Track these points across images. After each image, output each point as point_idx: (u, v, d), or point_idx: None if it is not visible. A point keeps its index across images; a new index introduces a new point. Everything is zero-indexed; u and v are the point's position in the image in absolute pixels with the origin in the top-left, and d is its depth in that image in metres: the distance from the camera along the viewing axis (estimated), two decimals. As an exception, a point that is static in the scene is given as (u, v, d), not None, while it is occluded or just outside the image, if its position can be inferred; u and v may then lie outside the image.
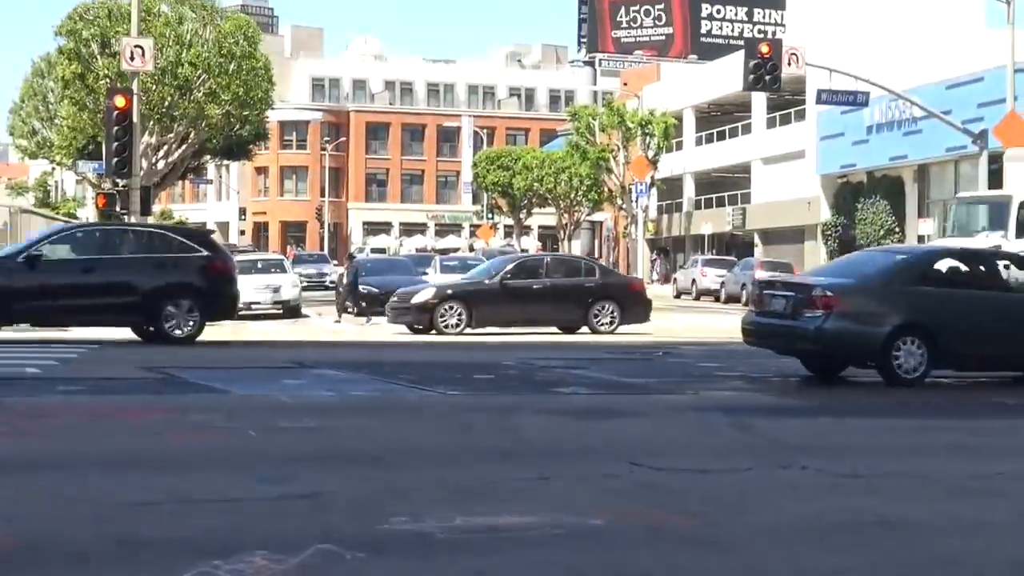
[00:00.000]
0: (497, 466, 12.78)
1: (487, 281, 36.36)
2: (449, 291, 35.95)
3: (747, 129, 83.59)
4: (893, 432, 16.33)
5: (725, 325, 40.31)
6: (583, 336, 35.06)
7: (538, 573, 8.51)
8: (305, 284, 56.84)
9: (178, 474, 11.86)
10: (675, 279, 73.55)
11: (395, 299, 36.69)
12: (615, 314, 35.68)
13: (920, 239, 64.01)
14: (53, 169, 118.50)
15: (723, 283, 62.15)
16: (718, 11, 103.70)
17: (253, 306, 44.81)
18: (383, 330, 37.20)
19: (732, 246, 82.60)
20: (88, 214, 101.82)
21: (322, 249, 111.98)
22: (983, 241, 35.20)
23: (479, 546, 9.22)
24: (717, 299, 61.72)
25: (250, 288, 44.84)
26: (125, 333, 29.61)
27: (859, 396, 21.02)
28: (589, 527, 9.87)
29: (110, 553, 8.82)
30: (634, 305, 36.54)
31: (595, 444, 14.43)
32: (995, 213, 36.81)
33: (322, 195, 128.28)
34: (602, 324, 35.36)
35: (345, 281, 44.39)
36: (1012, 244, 34.49)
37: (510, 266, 37.14)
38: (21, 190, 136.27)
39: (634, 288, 38.33)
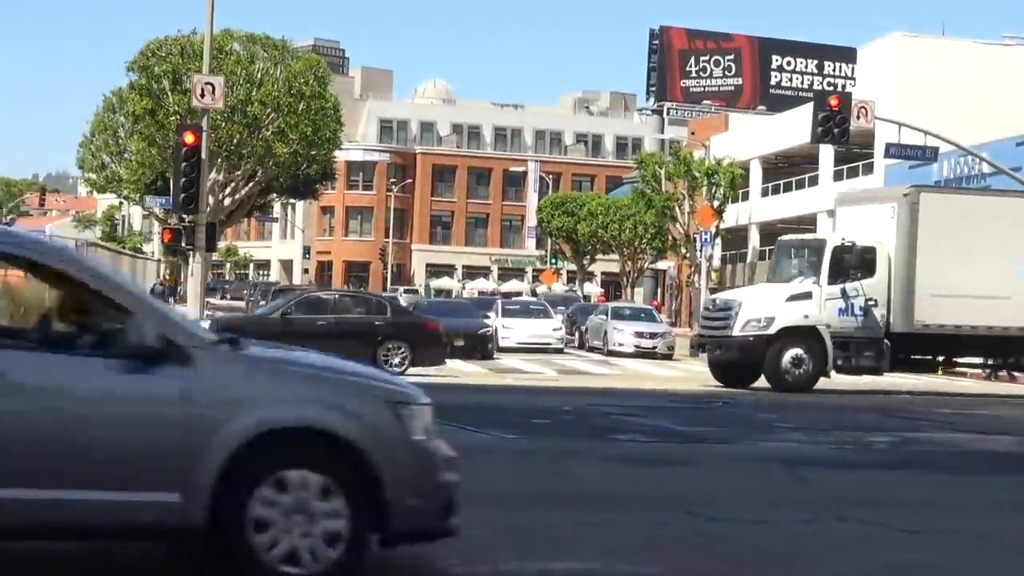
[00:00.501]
0: (553, 510, 12.75)
1: (269, 316, 34.94)
2: (226, 324, 34.20)
3: (814, 181, 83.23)
4: (951, 487, 16.17)
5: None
6: (646, 383, 34.80)
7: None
8: None
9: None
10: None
11: None
12: (406, 355, 33.85)
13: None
14: (121, 203, 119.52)
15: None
16: (788, 63, 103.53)
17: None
18: (445, 371, 37.15)
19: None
20: (154, 248, 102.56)
21: (384, 290, 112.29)
22: (797, 287, 34.64)
23: (531, 591, 9.19)
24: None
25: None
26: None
27: (919, 450, 20.84)
28: (643, 574, 9.82)
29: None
30: (427, 346, 34.48)
31: (651, 492, 14.38)
32: (812, 257, 35.78)
33: (386, 236, 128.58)
34: (391, 366, 33.06)
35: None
36: (825, 289, 33.98)
37: (293, 300, 35.81)
38: (89, 223, 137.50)
39: (427, 328, 35.40)
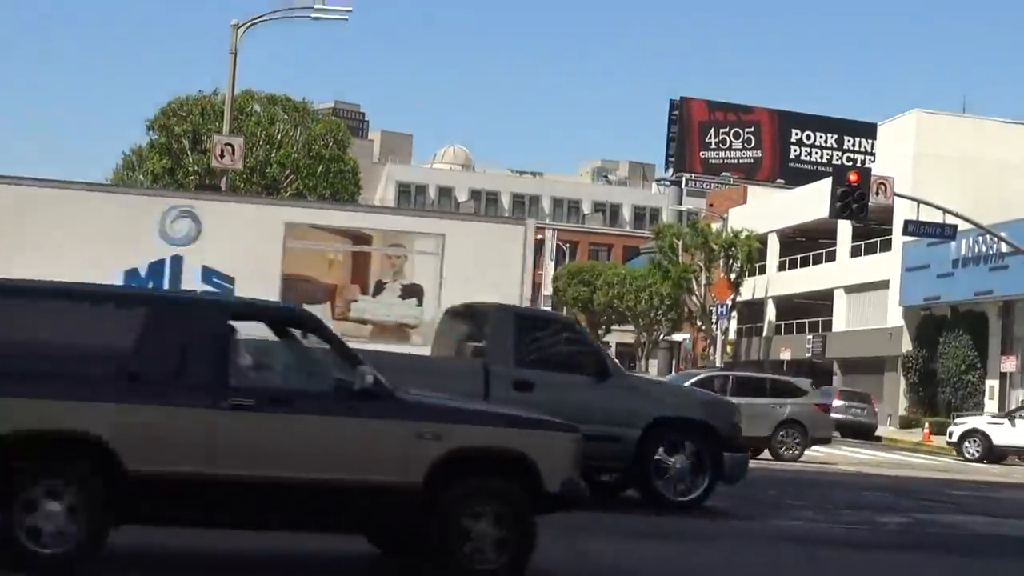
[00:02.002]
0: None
1: None
2: None
3: (831, 256, 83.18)
4: (961, 570, 15.95)
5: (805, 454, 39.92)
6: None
7: None
8: None
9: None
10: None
11: None
12: None
13: (1003, 376, 63.30)
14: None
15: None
16: (808, 137, 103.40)
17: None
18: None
19: (811, 374, 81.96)
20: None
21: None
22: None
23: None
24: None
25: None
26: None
27: (931, 531, 20.60)
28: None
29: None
30: None
31: (656, 568, 14.18)
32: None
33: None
34: None
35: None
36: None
37: None
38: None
39: None
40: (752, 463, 33.05)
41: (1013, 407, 53.78)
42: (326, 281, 30.78)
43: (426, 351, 29.95)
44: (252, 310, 12.88)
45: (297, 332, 12.47)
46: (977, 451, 47.56)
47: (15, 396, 10.85)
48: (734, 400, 32.09)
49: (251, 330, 12.09)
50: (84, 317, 11.69)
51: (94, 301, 12.04)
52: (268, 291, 29.70)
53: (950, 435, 49.08)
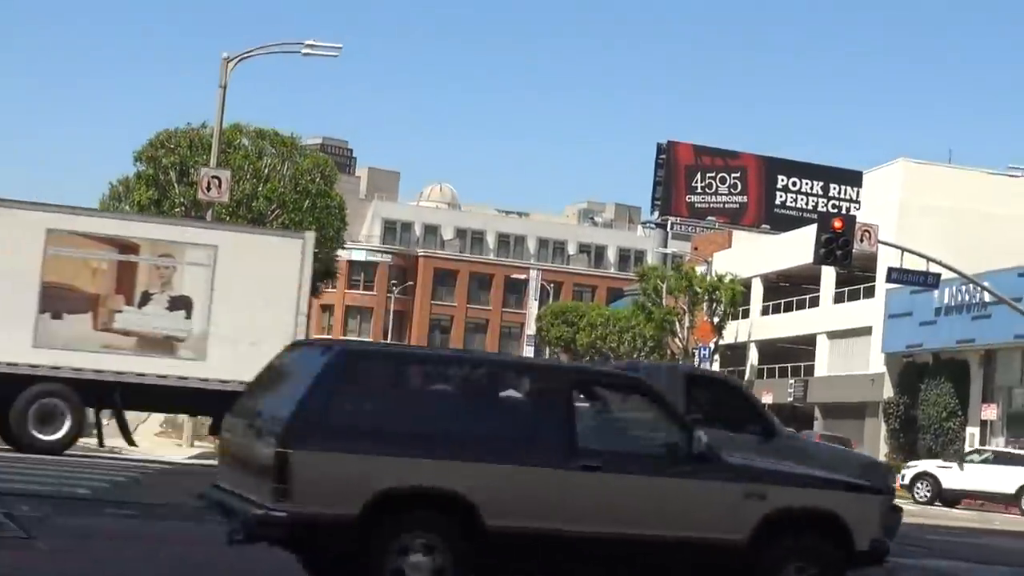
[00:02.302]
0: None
1: None
2: None
3: (815, 302, 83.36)
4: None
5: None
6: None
7: None
8: None
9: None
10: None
11: None
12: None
13: (983, 424, 63.45)
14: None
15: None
16: (793, 183, 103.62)
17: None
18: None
19: (792, 418, 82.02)
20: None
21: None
22: None
23: None
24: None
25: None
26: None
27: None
28: None
29: None
30: None
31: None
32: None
33: (385, 337, 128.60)
34: None
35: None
36: None
37: None
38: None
39: None
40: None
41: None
42: (88, 290, 30.37)
43: (195, 365, 29.68)
44: (598, 377, 14.20)
45: (635, 398, 13.43)
46: (927, 494, 50.16)
47: (396, 455, 11.69)
48: None
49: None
50: (447, 381, 12.77)
51: (456, 366, 13.19)
52: (26, 299, 29.56)
53: (903, 477, 50.04)
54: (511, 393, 12.56)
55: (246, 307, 30.28)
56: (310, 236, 32.58)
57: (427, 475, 11.72)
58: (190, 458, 36.61)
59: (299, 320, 30.57)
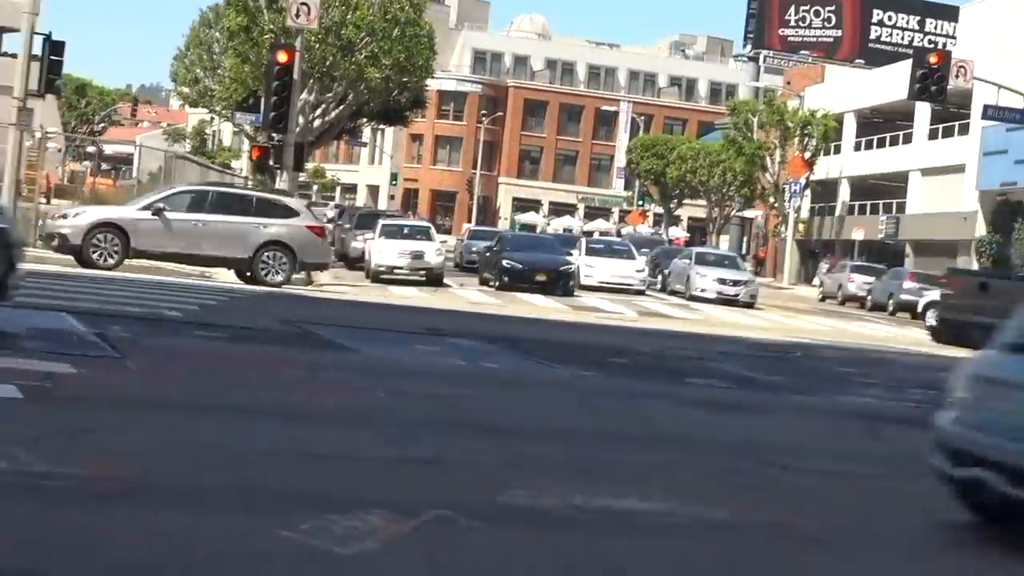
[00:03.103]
0: (624, 450, 12.68)
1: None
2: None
3: (908, 138, 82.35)
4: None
5: (868, 332, 39.88)
6: (727, 330, 34.40)
7: (652, 557, 8.39)
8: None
9: (305, 427, 11.91)
10: (822, 282, 72.75)
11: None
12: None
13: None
14: (212, 118, 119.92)
15: (870, 291, 61.18)
16: (889, 17, 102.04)
17: (395, 271, 44.92)
18: (527, 306, 36.99)
19: (883, 254, 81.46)
20: (242, 165, 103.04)
21: (470, 221, 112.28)
22: None
23: (595, 526, 9.12)
24: (862, 306, 60.84)
25: (393, 252, 45.01)
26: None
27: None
28: (709, 518, 9.73)
29: (227, 497, 8.85)
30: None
31: (724, 437, 14.27)
32: None
33: (474, 167, 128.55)
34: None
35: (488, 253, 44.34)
36: None
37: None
38: (179, 136, 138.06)
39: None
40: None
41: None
42: None
43: None
44: None
45: None
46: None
47: None
48: (209, 217, 32.88)
49: None
50: None
51: None
52: None
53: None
54: None
55: None
56: None
57: None
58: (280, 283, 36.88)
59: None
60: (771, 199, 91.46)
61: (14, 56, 40.69)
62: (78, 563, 6.91)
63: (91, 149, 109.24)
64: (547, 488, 10.04)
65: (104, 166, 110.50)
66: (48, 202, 46.96)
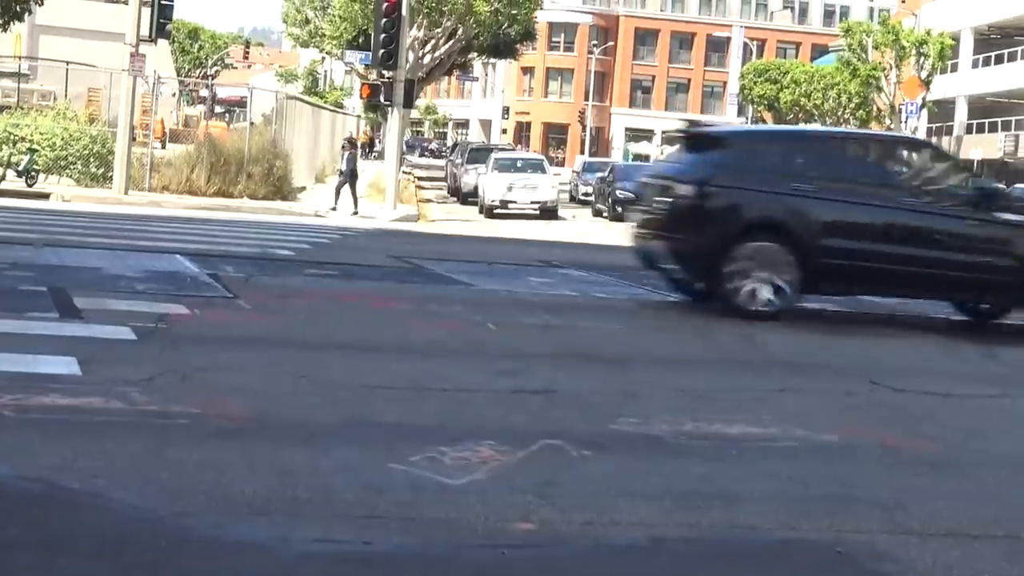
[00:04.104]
0: (736, 376, 12.65)
1: None
2: None
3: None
4: None
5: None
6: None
7: (762, 481, 8.37)
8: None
9: (416, 362, 11.98)
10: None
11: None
12: None
13: None
14: (323, 58, 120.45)
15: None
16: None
17: (509, 205, 45.00)
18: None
19: (1002, 173, 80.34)
20: (354, 104, 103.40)
21: (582, 152, 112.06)
22: None
23: (706, 452, 9.12)
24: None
25: (506, 187, 45.09)
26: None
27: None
28: (821, 442, 9.70)
29: (340, 432, 8.95)
30: None
31: (838, 361, 14.18)
32: None
33: (586, 99, 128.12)
34: None
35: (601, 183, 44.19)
36: None
37: None
38: (291, 77, 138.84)
39: None
40: None
41: None
42: None
43: None
44: None
45: None
46: None
47: None
48: None
49: None
50: None
51: None
52: None
53: None
54: None
55: None
56: None
57: None
58: (392, 220, 37.11)
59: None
60: (887, 121, 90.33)
61: (125, 2, 41.10)
62: (192, 499, 7.02)
63: (204, 93, 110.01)
64: (659, 415, 10.05)
65: (217, 109, 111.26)
66: (163, 147, 47.42)
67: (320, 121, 60.39)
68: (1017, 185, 64.58)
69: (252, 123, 45.19)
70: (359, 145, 63.89)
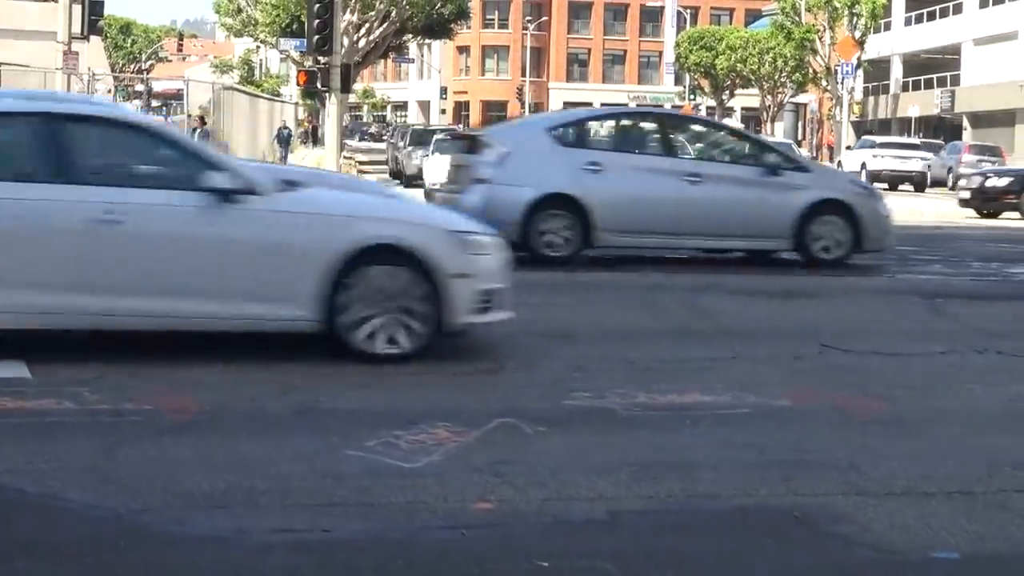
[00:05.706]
0: (685, 345, 12.71)
1: None
2: None
3: (958, 9, 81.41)
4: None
5: (928, 208, 39.64)
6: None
7: (717, 449, 8.43)
8: None
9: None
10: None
11: None
12: None
13: None
14: (257, 47, 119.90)
15: (928, 167, 60.37)
16: None
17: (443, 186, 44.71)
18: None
19: (939, 129, 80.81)
20: (291, 91, 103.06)
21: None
22: None
23: (660, 422, 9.17)
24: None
25: (443, 168, 44.85)
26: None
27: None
28: (774, 407, 9.76)
29: (292, 421, 8.94)
30: None
31: (786, 325, 14.28)
32: None
33: (523, 75, 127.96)
34: None
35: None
36: None
37: None
38: (226, 68, 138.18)
39: None
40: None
41: None
42: None
43: None
44: None
45: None
46: None
47: None
48: None
49: None
50: None
51: None
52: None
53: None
54: None
55: None
56: None
57: None
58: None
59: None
60: (823, 83, 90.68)
61: (55, 0, 40.82)
62: (150, 496, 7.01)
63: (140, 88, 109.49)
64: (611, 388, 10.10)
65: (154, 103, 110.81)
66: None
67: (258, 110, 60.15)
68: (955, 142, 64.95)
69: (189, 115, 44.99)
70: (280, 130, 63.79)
